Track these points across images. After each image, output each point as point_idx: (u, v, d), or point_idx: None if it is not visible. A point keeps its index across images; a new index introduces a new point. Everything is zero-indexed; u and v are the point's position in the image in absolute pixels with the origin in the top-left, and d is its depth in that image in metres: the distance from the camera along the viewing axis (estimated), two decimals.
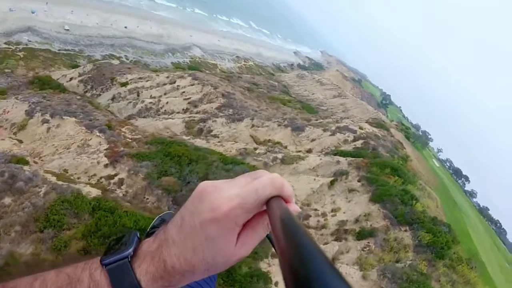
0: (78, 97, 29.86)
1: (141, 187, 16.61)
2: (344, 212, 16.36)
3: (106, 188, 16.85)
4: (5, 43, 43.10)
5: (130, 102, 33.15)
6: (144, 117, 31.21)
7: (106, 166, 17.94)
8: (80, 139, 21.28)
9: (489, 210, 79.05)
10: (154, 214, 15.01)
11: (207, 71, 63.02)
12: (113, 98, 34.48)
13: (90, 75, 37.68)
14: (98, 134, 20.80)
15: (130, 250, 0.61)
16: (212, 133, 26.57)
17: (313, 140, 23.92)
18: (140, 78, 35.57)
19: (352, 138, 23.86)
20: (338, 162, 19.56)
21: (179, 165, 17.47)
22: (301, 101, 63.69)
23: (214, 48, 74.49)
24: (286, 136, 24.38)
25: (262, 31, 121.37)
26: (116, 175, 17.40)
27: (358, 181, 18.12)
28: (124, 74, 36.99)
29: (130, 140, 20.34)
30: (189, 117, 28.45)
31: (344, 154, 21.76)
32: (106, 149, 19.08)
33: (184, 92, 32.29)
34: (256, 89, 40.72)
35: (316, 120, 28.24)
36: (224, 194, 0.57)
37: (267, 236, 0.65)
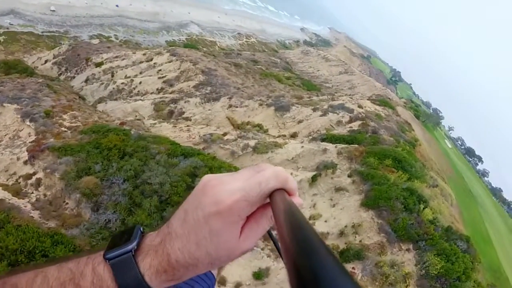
0: (40, 80, 25.45)
1: (60, 189, 12.36)
2: (325, 221, 11.64)
3: (19, 191, 12.70)
4: None
5: (102, 83, 28.68)
6: (115, 99, 26.78)
7: (25, 163, 13.69)
8: (13, 129, 17.07)
9: (502, 191, 72.54)
10: (64, 226, 10.94)
11: (204, 49, 57.91)
12: (86, 80, 30.13)
13: (64, 57, 33.28)
14: (28, 123, 16.52)
15: (134, 244, 0.58)
16: (184, 116, 21.98)
17: (300, 121, 19.01)
18: (116, 57, 30.91)
19: (348, 119, 18.85)
20: (325, 150, 14.67)
21: (108, 161, 13.04)
22: (304, 78, 58.17)
23: (213, 25, 68.71)
24: (268, 117, 19.58)
25: (267, 8, 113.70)
26: (34, 174, 13.14)
27: (349, 176, 13.26)
28: (101, 53, 32.41)
29: (64, 130, 15.99)
30: (160, 98, 23.81)
31: (335, 139, 16.81)
32: (31, 142, 14.83)
33: (160, 70, 27.57)
34: (247, 65, 35.54)
35: (309, 98, 23.23)
36: (227, 188, 0.55)
37: (267, 231, 0.62)
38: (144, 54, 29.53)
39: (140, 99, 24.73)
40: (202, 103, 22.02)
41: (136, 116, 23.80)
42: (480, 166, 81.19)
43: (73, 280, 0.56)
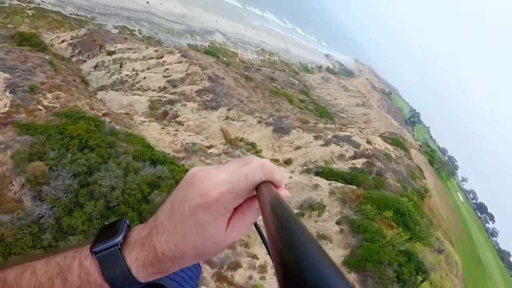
0: (46, 56, 24.05)
1: (10, 168, 10.47)
2: None
3: None
4: (18, 0, 38.59)
5: (108, 72, 27.20)
6: (116, 90, 25.16)
7: None
8: None
9: (510, 255, 67.08)
10: None
11: (224, 58, 56.60)
12: (96, 66, 28.78)
13: (80, 40, 32.14)
14: (8, 94, 14.92)
15: (120, 237, 0.57)
16: (177, 119, 20.06)
17: (297, 147, 16.73)
18: (129, 49, 29.50)
19: (352, 154, 16.48)
20: (316, 186, 12.32)
21: (66, 150, 11.05)
22: (319, 104, 56.04)
23: (238, 37, 67.55)
24: (264, 137, 17.41)
25: (295, 29, 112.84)
26: None
27: (337, 223, 10.85)
28: (116, 43, 31.10)
29: (40, 108, 14.31)
30: (159, 96, 21.97)
31: (332, 174, 14.43)
32: (2, 113, 13.17)
33: (167, 69, 25.86)
34: (260, 81, 33.62)
35: (315, 124, 20.99)
36: (214, 180, 0.54)
37: (254, 224, 0.62)
38: (156, 51, 27.97)
39: (138, 94, 22.96)
40: (199, 110, 20.05)
41: (130, 110, 22.05)
42: (490, 224, 76.10)
43: (61, 274, 0.55)
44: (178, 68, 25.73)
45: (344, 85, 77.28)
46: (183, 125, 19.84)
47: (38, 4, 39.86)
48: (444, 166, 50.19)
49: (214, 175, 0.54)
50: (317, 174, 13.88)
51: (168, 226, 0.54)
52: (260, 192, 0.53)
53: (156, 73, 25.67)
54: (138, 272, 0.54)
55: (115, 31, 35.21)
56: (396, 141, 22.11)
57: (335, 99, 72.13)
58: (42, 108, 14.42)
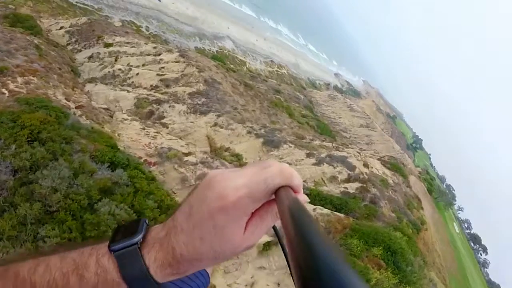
0: (35, 40, 22.75)
1: None
2: None
3: None
4: None
5: (101, 64, 25.85)
6: (106, 83, 23.76)
7: None
8: None
9: None
10: None
11: (231, 65, 55.43)
12: (90, 57, 27.42)
13: (79, 28, 30.92)
14: None
15: (140, 236, 0.56)
16: (162, 121, 18.53)
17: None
18: (128, 43, 28.19)
19: (345, 177, 14.77)
20: None
21: (13, 140, 9.45)
22: (322, 121, 54.52)
23: (249, 46, 66.57)
24: (252, 148, 15.79)
25: (308, 45, 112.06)
26: None
27: None
28: (115, 35, 29.86)
29: (4, 92, 12.78)
30: (147, 94, 20.51)
31: (320, 198, 12.72)
32: None
33: (163, 67, 24.46)
34: (262, 90, 32.17)
35: (311, 140, 19.36)
36: (233, 184, 0.53)
37: (272, 227, 0.61)
38: (154, 48, 26.62)
39: (127, 90, 21.51)
40: (187, 113, 18.52)
41: (115, 106, 20.59)
42: (482, 255, 73.82)
43: (77, 271, 0.54)
44: (174, 68, 24.33)
45: (349, 104, 75.95)
46: (167, 127, 18.31)
47: None
48: (442, 196, 48.22)
49: (233, 178, 0.54)
50: None
51: (187, 227, 0.54)
52: (279, 196, 0.52)
53: (150, 70, 24.28)
54: (157, 272, 0.54)
55: (118, 24, 34.01)
56: (395, 166, 20.41)
57: (339, 117, 70.74)
58: (5, 92, 12.90)
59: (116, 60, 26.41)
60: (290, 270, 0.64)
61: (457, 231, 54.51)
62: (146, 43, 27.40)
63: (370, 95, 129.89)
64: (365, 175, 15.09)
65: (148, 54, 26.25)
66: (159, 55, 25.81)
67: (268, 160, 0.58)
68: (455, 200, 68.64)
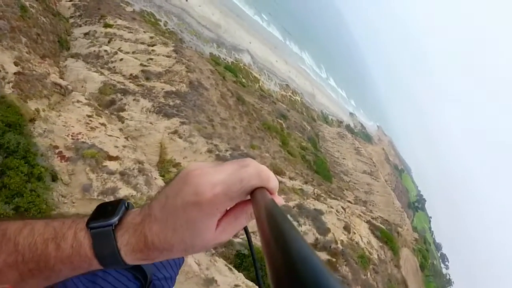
0: (29, 3, 20.09)
1: None
2: None
3: None
4: None
5: (91, 42, 23.10)
6: (88, 62, 20.90)
7: None
8: None
9: None
10: None
11: (243, 79, 52.66)
12: (86, 34, 24.78)
13: (86, 3, 28.64)
14: None
15: (116, 219, 0.58)
16: (121, 113, 15.28)
17: None
18: (127, 27, 25.49)
19: (311, 241, 10.92)
20: (209, 282, 6.95)
21: None
22: (322, 157, 50.77)
23: (267, 64, 63.92)
24: None
25: (329, 79, 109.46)
26: None
27: None
28: (119, 18, 27.27)
29: None
30: (118, 82, 17.42)
31: (261, 265, 9.14)
32: None
33: (151, 59, 21.46)
34: (263, 109, 28.85)
35: (290, 178, 15.69)
36: (209, 179, 0.53)
37: (244, 228, 0.61)
38: (151, 38, 23.73)
39: (100, 72, 18.45)
40: (150, 111, 15.24)
41: (82, 86, 17.56)
42: None
43: (55, 240, 0.56)
44: (163, 62, 21.28)
45: (357, 147, 72.10)
46: (123, 122, 15.01)
47: None
48: (436, 277, 42.02)
49: (210, 174, 0.53)
50: (237, 256, 8.51)
51: (160, 217, 0.54)
52: (255, 197, 0.52)
53: (136, 58, 21.27)
54: (127, 255, 0.55)
55: (129, 8, 31.48)
56: (386, 236, 16.40)
57: (343, 158, 66.84)
58: None
59: (109, 42, 23.67)
60: (255, 272, 0.68)
61: None
62: (145, 31, 24.56)
63: (382, 143, 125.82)
64: (339, 245, 11.21)
65: (143, 43, 23.37)
66: (153, 45, 22.88)
67: (247, 159, 0.57)
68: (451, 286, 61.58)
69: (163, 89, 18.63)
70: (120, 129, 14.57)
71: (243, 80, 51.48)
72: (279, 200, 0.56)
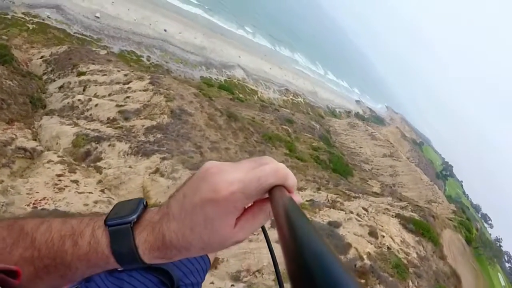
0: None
1: None
2: None
3: None
4: (23, 13, 35.11)
5: (65, 95, 21.76)
6: (63, 116, 19.45)
7: None
8: None
9: None
10: None
11: (240, 95, 50.96)
12: (61, 87, 23.51)
13: (57, 57, 27.56)
14: None
15: (134, 216, 0.57)
16: (98, 164, 13.55)
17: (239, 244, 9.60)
18: (101, 71, 24.14)
19: None
20: None
21: None
22: (337, 153, 48.05)
23: (261, 74, 62.15)
24: None
25: (327, 74, 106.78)
26: None
27: None
28: (92, 63, 26.02)
29: None
30: (92, 129, 15.81)
31: None
32: None
33: (129, 97, 19.88)
34: (256, 121, 26.83)
35: (299, 189, 13.62)
36: (227, 177, 0.53)
37: (262, 227, 0.60)
38: (125, 75, 22.23)
39: (74, 124, 16.88)
40: (128, 154, 13.42)
41: (56, 143, 16.00)
42: None
43: (73, 237, 0.56)
44: (140, 97, 19.63)
45: (371, 132, 68.87)
46: (100, 173, 13.24)
47: (43, 19, 36.46)
48: (486, 247, 37.67)
49: (228, 172, 0.53)
50: None
51: (178, 216, 0.54)
52: (273, 195, 0.51)
53: (112, 100, 19.70)
54: (144, 254, 0.55)
55: (103, 52, 30.39)
56: (421, 226, 13.84)
57: (360, 147, 63.78)
58: None
59: (84, 90, 22.29)
60: (276, 272, 0.68)
61: (503, 284, 43.72)
62: (118, 71, 23.11)
63: (394, 122, 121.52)
64: (365, 261, 8.87)
65: (118, 83, 21.87)
66: (129, 83, 21.34)
67: (265, 157, 0.57)
68: (503, 255, 55.40)
69: (143, 125, 16.88)
70: (100, 181, 12.81)
71: (240, 95, 49.79)
72: (298, 198, 0.54)
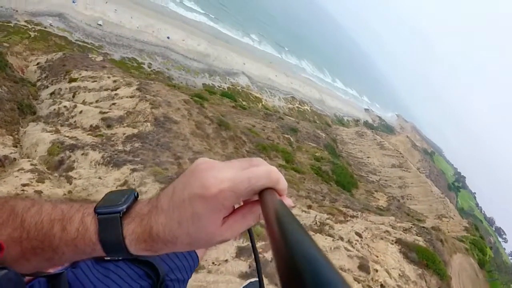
0: None
1: None
2: None
3: None
4: (25, 21, 35.07)
5: (54, 101, 20.94)
6: (48, 123, 18.52)
7: None
8: None
9: None
10: None
11: (244, 102, 49.89)
12: (52, 93, 22.80)
13: (51, 63, 26.97)
14: None
15: (124, 207, 0.57)
16: (69, 173, 12.41)
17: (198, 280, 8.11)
18: (92, 77, 23.31)
19: None
20: None
21: None
22: (343, 163, 46.31)
23: (266, 82, 61.04)
24: None
25: (335, 81, 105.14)
26: None
27: None
28: (85, 70, 25.27)
29: None
30: (70, 136, 14.79)
31: None
32: None
33: (115, 104, 18.90)
34: (254, 129, 25.56)
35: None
36: (217, 175, 0.52)
37: (248, 230, 0.60)
38: (114, 81, 21.30)
39: (50, 132, 15.85)
40: (99, 164, 12.27)
41: (35, 150, 15.02)
42: None
43: (62, 221, 0.56)
44: (126, 104, 18.60)
45: (379, 141, 66.77)
46: (70, 183, 12.09)
47: (45, 27, 36.30)
48: (501, 271, 34.04)
49: (219, 169, 0.53)
50: None
51: (167, 209, 0.54)
52: (264, 198, 0.51)
53: (98, 107, 18.72)
54: (131, 244, 0.55)
55: (99, 58, 29.67)
56: (426, 256, 12.01)
57: (368, 157, 61.77)
58: None
59: (74, 96, 21.46)
60: (258, 274, 0.69)
61: None
62: (109, 77, 22.22)
63: (405, 130, 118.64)
64: None
65: (106, 89, 20.95)
66: (117, 89, 20.38)
67: (257, 158, 0.57)
68: None
69: (124, 134, 15.74)
70: (70, 192, 11.66)
71: (244, 103, 48.71)
72: (288, 202, 0.54)
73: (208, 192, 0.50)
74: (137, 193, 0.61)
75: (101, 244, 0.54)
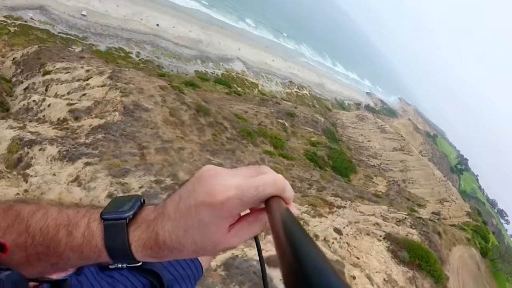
0: None
1: None
2: None
3: None
4: (4, 17, 33.62)
5: (24, 96, 19.80)
6: (18, 119, 17.43)
7: None
8: None
9: None
10: None
11: (239, 89, 48.37)
12: (26, 89, 21.66)
13: (26, 58, 25.69)
14: None
15: (130, 213, 0.57)
16: (27, 171, 11.38)
17: None
18: (65, 68, 22.03)
19: None
20: None
21: None
22: (342, 147, 44.92)
23: (262, 66, 59.16)
24: None
25: (336, 65, 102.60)
26: None
27: None
28: (61, 62, 23.96)
29: None
30: (32, 132, 13.70)
31: None
32: None
33: (85, 94, 17.69)
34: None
35: None
36: (224, 182, 0.52)
37: (254, 237, 0.61)
38: (87, 71, 20.02)
39: (14, 129, 14.71)
40: (55, 159, 11.20)
41: None
42: None
43: (67, 227, 0.56)
44: (96, 94, 17.37)
45: (381, 125, 64.96)
46: (27, 181, 11.09)
47: (25, 21, 34.79)
48: (505, 262, 31.25)
49: (225, 177, 0.52)
50: None
51: (174, 217, 0.53)
52: (270, 206, 0.51)
53: (67, 99, 17.54)
54: (137, 251, 0.54)
55: (78, 49, 28.26)
56: (418, 254, 10.42)
57: (369, 141, 60.09)
58: None
59: (46, 90, 20.28)
60: (263, 282, 0.69)
61: None
62: (82, 67, 20.92)
63: (407, 113, 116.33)
64: None
65: (78, 80, 19.70)
66: (88, 79, 19.12)
67: (264, 166, 0.57)
68: None
69: (90, 125, 14.57)
70: (25, 191, 10.60)
71: (239, 89, 47.20)
72: (294, 210, 0.54)
73: (214, 200, 0.50)
74: (144, 199, 0.60)
75: (107, 250, 0.54)
